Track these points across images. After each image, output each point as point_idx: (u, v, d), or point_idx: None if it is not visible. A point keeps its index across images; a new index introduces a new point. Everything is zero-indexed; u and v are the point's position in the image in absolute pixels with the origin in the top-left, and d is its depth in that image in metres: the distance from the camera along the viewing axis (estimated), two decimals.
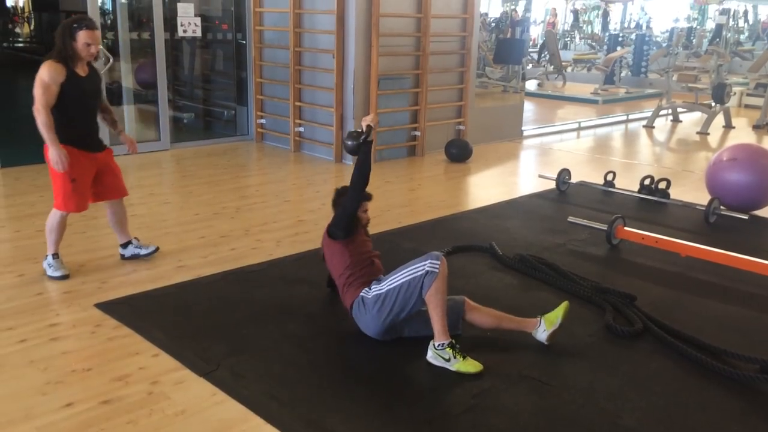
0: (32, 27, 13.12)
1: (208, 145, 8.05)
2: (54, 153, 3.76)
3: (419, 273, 3.07)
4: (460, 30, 7.93)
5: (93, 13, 6.77)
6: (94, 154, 4.00)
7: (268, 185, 6.46)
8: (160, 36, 7.31)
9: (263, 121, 8.19)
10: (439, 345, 3.08)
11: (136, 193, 6.01)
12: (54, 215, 4.02)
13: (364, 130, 3.40)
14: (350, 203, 3.34)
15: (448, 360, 3.06)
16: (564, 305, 3.34)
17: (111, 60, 6.90)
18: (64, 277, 3.99)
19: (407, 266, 3.14)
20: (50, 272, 4.02)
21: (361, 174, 3.31)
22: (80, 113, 3.89)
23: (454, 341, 3.09)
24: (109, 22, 8.41)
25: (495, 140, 8.69)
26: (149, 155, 7.29)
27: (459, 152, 7.54)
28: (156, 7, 7.23)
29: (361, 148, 3.38)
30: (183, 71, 9.14)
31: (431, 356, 3.10)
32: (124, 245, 4.33)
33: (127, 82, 8.00)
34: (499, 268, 4.35)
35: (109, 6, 8.50)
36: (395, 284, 3.13)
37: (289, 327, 3.45)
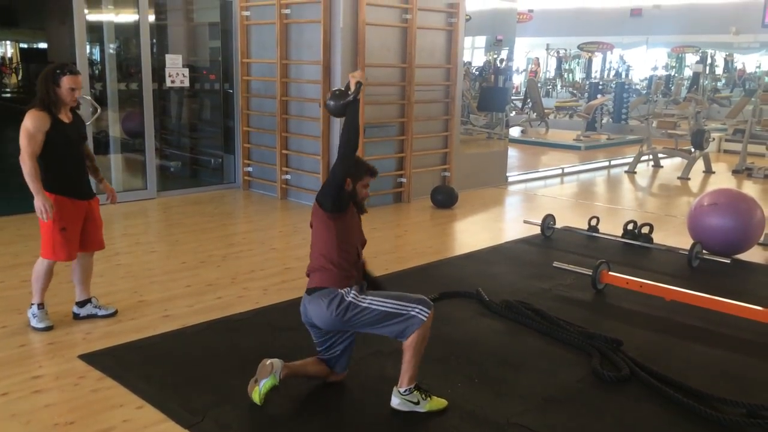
0: (20, 78, 13.22)
1: (195, 193, 8.08)
2: (39, 202, 3.73)
3: (405, 312, 2.97)
4: (445, 79, 8.09)
5: (81, 64, 6.86)
6: (82, 201, 3.96)
7: (254, 233, 6.47)
8: (148, 86, 7.40)
9: (250, 168, 8.25)
10: (405, 390, 3.04)
11: (123, 242, 6.00)
12: (41, 264, 3.96)
13: (352, 87, 3.05)
14: (339, 169, 3.03)
15: (418, 403, 3.04)
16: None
17: (99, 110, 6.97)
18: (48, 329, 3.93)
19: (396, 298, 3.02)
20: (34, 323, 3.96)
21: (350, 138, 3.01)
22: (67, 160, 3.86)
23: (418, 384, 3.07)
24: (97, 72, 8.50)
25: (480, 186, 8.78)
26: (136, 204, 7.30)
27: (445, 198, 7.61)
28: (144, 57, 7.33)
29: (348, 107, 3.03)
30: (170, 120, 9.22)
31: (398, 403, 3.06)
32: (82, 303, 4.14)
33: (114, 131, 8.05)
34: (486, 314, 4.36)
35: (97, 56, 8.60)
36: (377, 307, 2.99)
37: None
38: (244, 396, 3.20)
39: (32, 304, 4.00)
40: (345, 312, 3.01)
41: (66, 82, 3.73)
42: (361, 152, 7.15)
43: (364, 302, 3.01)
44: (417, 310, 2.97)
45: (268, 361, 3.11)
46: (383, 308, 2.99)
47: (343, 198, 3.06)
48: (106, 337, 3.87)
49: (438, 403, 3.10)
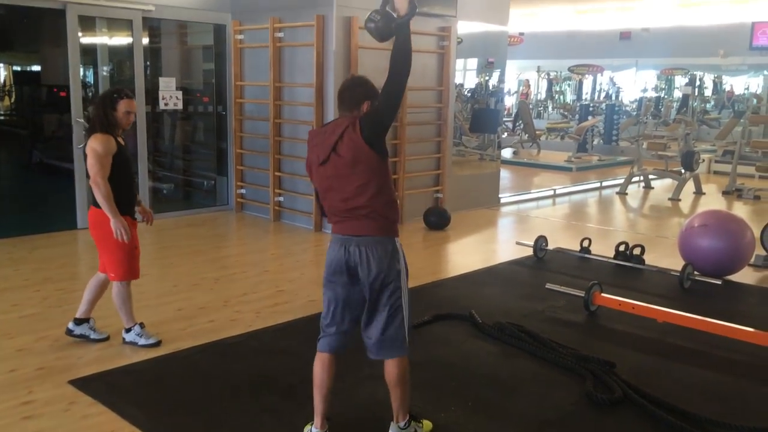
0: (13, 100, 13.21)
1: (188, 215, 8.07)
2: (116, 224, 3.78)
3: (401, 331, 2.88)
4: (437, 101, 8.15)
5: (75, 86, 6.89)
6: (135, 221, 4.05)
7: (247, 255, 6.46)
8: (141, 109, 7.42)
9: (243, 191, 8.25)
10: (404, 424, 3.00)
11: None
12: (121, 289, 4.00)
13: (406, 5, 2.70)
14: (395, 101, 2.77)
15: None
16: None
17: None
18: (158, 344, 4.04)
19: (409, 313, 2.91)
20: (142, 341, 4.05)
21: (407, 60, 2.73)
22: (127, 182, 3.97)
23: (410, 412, 3.04)
24: (90, 95, 8.52)
25: (473, 207, 8.81)
26: None
27: (437, 220, 7.63)
28: (138, 80, 7.36)
29: (400, 29, 2.72)
30: (164, 142, 9.22)
31: None
32: (79, 321, 4.13)
33: None
34: (479, 336, 4.36)
35: (90, 79, 8.63)
36: (403, 292, 2.86)
37: (268, 400, 3.40)
38: (237, 421, 3.18)
39: (129, 328, 4.07)
40: (394, 257, 2.85)
41: (122, 105, 3.83)
42: None
43: (404, 284, 2.88)
44: (407, 341, 2.91)
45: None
46: (404, 305, 2.87)
47: (384, 135, 2.85)
48: (97, 362, 3.84)
49: (426, 425, 3.10)
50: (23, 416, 3.21)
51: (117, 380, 3.61)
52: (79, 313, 4.14)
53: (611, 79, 22.52)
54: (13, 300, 4.84)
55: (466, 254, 6.82)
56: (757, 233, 6.10)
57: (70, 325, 4.14)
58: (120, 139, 3.91)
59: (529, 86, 22.39)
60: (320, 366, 2.99)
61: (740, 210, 9.28)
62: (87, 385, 3.53)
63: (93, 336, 4.14)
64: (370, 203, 2.81)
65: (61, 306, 4.77)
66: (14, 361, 3.82)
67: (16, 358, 3.87)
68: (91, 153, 3.75)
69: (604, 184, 11.67)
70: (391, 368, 2.92)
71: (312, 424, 3.01)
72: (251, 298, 5.06)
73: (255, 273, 5.77)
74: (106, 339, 4.16)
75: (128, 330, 4.08)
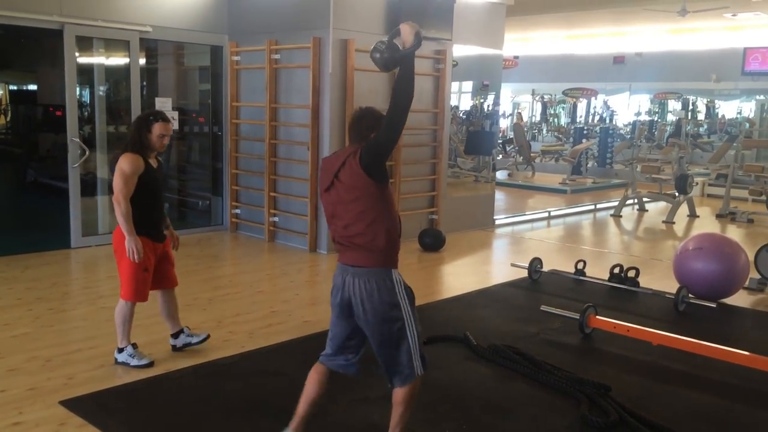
0: (8, 119, 13.22)
1: (182, 234, 7.88)
2: (131, 243, 3.83)
3: (411, 357, 2.86)
4: (432, 123, 8.19)
5: (71, 106, 6.90)
6: (158, 244, 4.08)
7: (241, 275, 6.44)
8: None
9: (238, 211, 8.25)
10: None
11: (107, 284, 5.95)
12: (125, 307, 4.01)
13: (408, 38, 2.76)
14: (394, 133, 2.76)
15: None
16: None
17: (87, 152, 6.99)
18: (150, 365, 4.02)
19: (419, 336, 2.89)
20: (134, 362, 4.02)
21: (408, 91, 2.74)
22: (153, 204, 4.00)
23: None
24: (86, 114, 8.54)
25: (468, 229, 8.82)
26: None
27: (432, 241, 7.63)
28: (134, 100, 7.38)
29: (405, 60, 2.74)
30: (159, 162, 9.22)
31: None
32: (176, 335, 4.28)
33: (103, 173, 8.05)
34: (473, 359, 4.33)
35: (87, 99, 8.65)
36: (409, 320, 2.85)
37: (261, 423, 3.37)
38: None
39: (122, 348, 4.05)
40: (391, 293, 2.84)
41: (157, 128, 3.89)
42: None
43: (404, 311, 2.86)
44: (418, 363, 2.89)
45: None
46: (408, 328, 2.86)
47: (384, 163, 2.86)
48: (89, 382, 3.80)
49: None
50: None
51: (108, 401, 3.58)
52: (170, 330, 4.28)
53: (605, 103, 22.68)
54: (5, 319, 4.80)
55: (461, 276, 6.81)
56: (751, 256, 6.12)
57: (171, 341, 4.28)
58: (153, 161, 3.98)
59: (522, 118, 22.52)
60: (312, 373, 3.03)
61: (734, 233, 9.31)
62: (78, 405, 3.49)
63: (194, 340, 4.28)
64: (368, 231, 2.82)
65: (53, 326, 4.74)
66: (4, 382, 3.78)
67: (6, 378, 3.83)
68: (118, 171, 3.82)
69: (599, 206, 11.71)
70: (398, 388, 2.93)
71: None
72: (245, 318, 5.03)
73: (249, 293, 5.75)
74: (207, 338, 4.30)
75: (120, 350, 4.06)
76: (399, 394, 2.92)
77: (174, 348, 4.27)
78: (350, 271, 2.86)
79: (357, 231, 2.83)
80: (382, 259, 2.85)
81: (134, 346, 4.08)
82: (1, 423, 3.30)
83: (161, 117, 3.93)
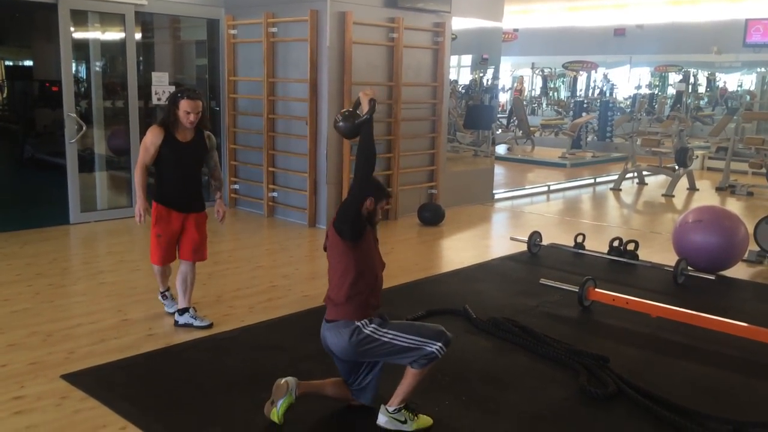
0: (4, 95, 13.13)
1: None
2: (136, 207, 4.17)
3: (426, 349, 2.93)
4: (431, 97, 8.14)
5: (67, 81, 6.84)
6: (180, 213, 4.23)
7: (241, 251, 6.44)
8: (134, 104, 7.37)
9: (237, 186, 8.22)
10: (394, 409, 3.02)
11: (107, 260, 5.96)
12: (154, 269, 4.44)
13: (365, 105, 3.02)
14: (360, 193, 3.00)
15: (405, 422, 3.03)
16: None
17: (84, 127, 6.94)
18: (210, 326, 4.28)
19: (418, 333, 2.97)
20: (166, 309, 4.49)
21: (368, 158, 2.99)
22: (173, 175, 4.19)
23: (406, 402, 3.06)
24: (83, 90, 8.47)
25: (467, 203, 8.80)
26: (120, 222, 7.24)
27: (432, 216, 7.62)
28: (130, 75, 7.32)
29: (363, 127, 2.98)
30: None
31: (385, 421, 3.04)
32: (181, 311, 4.33)
33: (100, 148, 8.02)
34: (473, 332, 4.35)
35: (83, 74, 8.58)
36: (397, 342, 2.95)
37: (261, 396, 3.37)
38: (230, 417, 3.17)
39: (164, 291, 4.55)
40: (361, 344, 3.00)
41: (183, 105, 4.03)
42: (347, 170, 7.17)
43: (383, 338, 2.98)
44: (437, 347, 2.94)
45: (283, 381, 3.09)
46: (402, 343, 2.96)
47: (362, 223, 3.01)
48: (90, 356, 3.82)
49: (424, 421, 3.09)
50: (15, 411, 3.18)
51: (109, 375, 3.59)
52: (178, 305, 4.38)
53: (605, 76, 22.53)
54: (5, 295, 4.81)
55: (460, 250, 6.82)
56: (750, 229, 6.12)
57: (176, 317, 4.36)
58: (182, 136, 4.12)
59: (522, 83, 22.36)
60: (337, 384, 3.25)
61: (734, 206, 9.30)
62: (79, 379, 3.51)
63: (196, 324, 4.29)
64: (336, 284, 3.04)
65: (52, 301, 4.75)
66: (5, 356, 3.79)
67: (7, 353, 3.85)
68: (142, 141, 4.15)
69: (598, 180, 11.69)
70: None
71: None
72: (244, 293, 5.04)
73: (248, 268, 5.75)
74: (210, 326, 4.29)
75: (163, 293, 4.54)
76: (416, 373, 2.99)
77: (176, 324, 4.31)
78: (325, 326, 3.09)
79: (330, 285, 3.09)
80: (352, 311, 3.00)
81: (164, 295, 4.50)
82: (4, 397, 3.32)
83: (188, 94, 4.05)
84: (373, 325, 3.00)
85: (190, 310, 4.33)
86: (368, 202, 2.99)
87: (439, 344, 2.94)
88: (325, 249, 3.15)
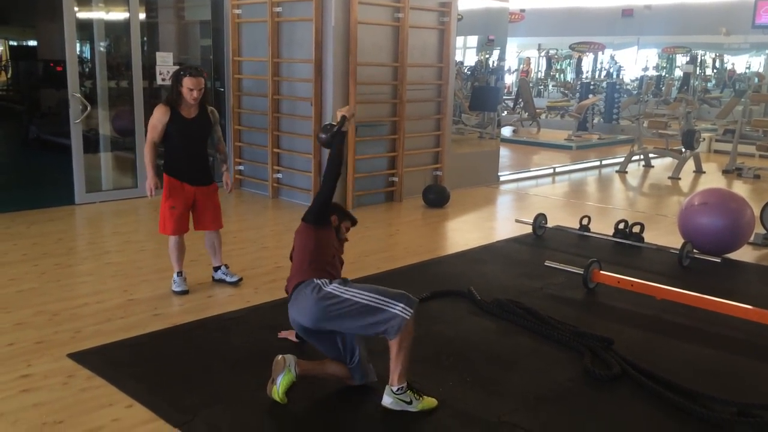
0: (9, 75, 13.11)
1: None
2: (147, 182, 4.39)
3: (387, 309, 2.93)
4: (436, 78, 8.09)
5: (71, 61, 6.81)
6: (191, 186, 4.45)
7: (246, 232, 6.44)
8: (138, 84, 7.35)
9: (241, 167, 8.21)
10: (398, 389, 3.03)
11: (113, 240, 5.98)
12: (169, 240, 4.54)
13: (338, 120, 3.36)
14: (324, 191, 3.29)
15: (410, 402, 3.04)
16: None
17: (88, 108, 6.93)
18: (184, 293, 4.49)
19: (378, 293, 2.99)
20: (173, 287, 4.53)
21: (334, 165, 3.29)
22: (181, 150, 4.40)
23: (409, 383, 3.06)
24: (87, 70, 8.45)
25: (472, 185, 8.78)
26: (126, 202, 7.25)
27: (436, 198, 7.61)
28: (135, 55, 7.28)
29: (334, 139, 3.33)
30: None
31: (390, 402, 3.04)
32: (216, 268, 4.76)
33: (105, 129, 8.01)
34: (477, 313, 4.36)
35: (87, 54, 8.55)
36: (359, 299, 2.97)
37: (266, 376, 3.39)
38: (235, 396, 3.19)
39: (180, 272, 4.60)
40: (324, 300, 3.00)
41: (186, 82, 4.20)
42: (352, 151, 7.15)
43: (344, 294, 3.01)
44: (399, 308, 2.93)
45: (280, 357, 3.13)
46: (364, 301, 2.97)
47: (326, 213, 3.29)
48: (96, 335, 3.84)
49: (429, 402, 3.09)
50: (22, 389, 3.21)
51: (116, 354, 3.62)
52: (213, 264, 4.78)
53: (612, 57, 22.37)
54: (11, 274, 4.83)
55: (465, 232, 6.81)
56: (757, 212, 6.09)
57: (213, 273, 4.77)
58: (186, 113, 4.31)
59: (529, 64, 22.25)
60: (335, 362, 3.29)
61: (740, 189, 9.26)
62: (86, 358, 3.53)
63: (228, 279, 4.71)
64: (309, 260, 3.19)
65: (59, 280, 4.77)
66: (13, 335, 3.82)
67: (14, 331, 3.87)
68: (149, 120, 4.33)
69: (604, 162, 11.64)
70: (393, 340, 2.99)
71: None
72: (250, 274, 5.05)
73: (253, 249, 5.77)
74: (239, 281, 4.72)
75: (179, 272, 4.59)
76: (394, 344, 2.97)
77: (213, 279, 4.76)
78: (290, 304, 3.19)
79: (292, 269, 3.28)
80: (307, 275, 3.13)
81: (179, 274, 4.55)
82: (10, 375, 3.34)
83: (190, 72, 4.20)
84: (334, 284, 3.08)
85: (222, 267, 4.73)
86: (333, 217, 3.34)
87: (401, 305, 2.93)
88: (290, 258, 3.38)
